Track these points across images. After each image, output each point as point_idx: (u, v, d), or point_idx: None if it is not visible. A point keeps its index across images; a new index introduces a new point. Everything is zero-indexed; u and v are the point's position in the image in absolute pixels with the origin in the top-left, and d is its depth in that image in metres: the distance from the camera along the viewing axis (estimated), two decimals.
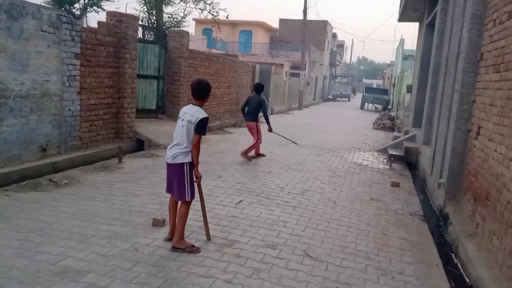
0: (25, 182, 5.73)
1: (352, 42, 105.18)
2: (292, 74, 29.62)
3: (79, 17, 17.65)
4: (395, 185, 7.37)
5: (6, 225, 4.20)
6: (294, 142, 11.13)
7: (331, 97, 44.19)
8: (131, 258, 3.66)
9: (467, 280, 4.05)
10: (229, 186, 6.34)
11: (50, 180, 5.95)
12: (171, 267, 3.57)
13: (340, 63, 58.56)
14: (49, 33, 6.67)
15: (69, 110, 7.30)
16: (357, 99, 43.46)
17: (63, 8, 17.43)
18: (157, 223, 4.47)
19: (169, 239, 4.07)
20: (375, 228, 5.05)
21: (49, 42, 6.71)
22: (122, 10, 13.26)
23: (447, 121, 6.25)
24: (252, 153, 8.90)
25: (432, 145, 7.61)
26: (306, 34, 28.73)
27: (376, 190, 6.94)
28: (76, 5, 18.96)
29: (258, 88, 8.99)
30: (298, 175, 7.49)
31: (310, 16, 35.45)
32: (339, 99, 43.64)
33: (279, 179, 7.03)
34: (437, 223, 5.79)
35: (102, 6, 19.42)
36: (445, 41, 7.53)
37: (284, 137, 11.19)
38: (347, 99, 43.66)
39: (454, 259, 4.59)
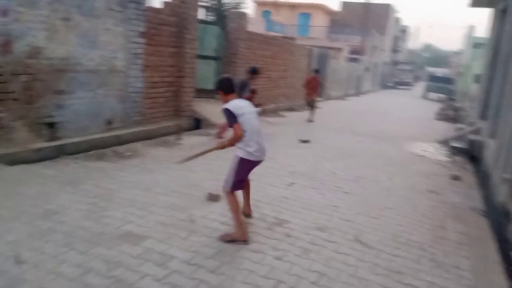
0: (92, 151, 6.12)
1: (417, 28, 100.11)
2: (351, 59, 28.87)
3: None
4: (456, 178, 7.05)
5: (75, 190, 4.54)
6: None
7: (391, 84, 42.64)
8: (187, 228, 3.84)
9: None
10: (281, 168, 6.40)
11: (114, 151, 6.31)
12: None
13: (402, 49, 56.15)
14: (116, 11, 6.98)
15: (133, 86, 7.63)
16: (419, 87, 41.57)
17: None
18: (212, 198, 4.62)
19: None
20: (431, 220, 4.90)
21: (117, 20, 7.02)
22: None
23: None
24: None
25: (498, 139, 7.17)
26: (368, 17, 27.81)
27: (435, 182, 6.69)
28: None
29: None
30: (352, 162, 7.39)
31: None
32: (400, 86, 42.02)
33: (332, 165, 6.97)
34: (498, 220, 5.49)
35: None
36: None
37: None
38: (408, 87, 41.94)
39: None
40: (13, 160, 5.32)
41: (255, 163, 3.94)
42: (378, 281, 3.34)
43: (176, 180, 5.22)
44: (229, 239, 3.70)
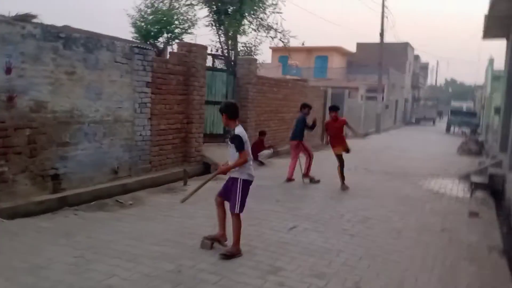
0: (93, 202, 6.11)
1: (437, 64, 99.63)
2: (369, 98, 28.76)
3: (163, 50, 18.91)
4: (474, 215, 6.65)
5: (67, 242, 4.48)
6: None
7: (413, 120, 42.04)
8: (173, 280, 3.68)
9: None
10: (285, 211, 6.20)
11: (116, 200, 6.29)
12: None
13: (424, 85, 55.81)
14: (122, 63, 7.20)
15: (140, 135, 7.73)
16: (443, 123, 40.78)
17: (148, 42, 18.92)
18: (205, 246, 4.46)
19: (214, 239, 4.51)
20: (441, 262, 4.55)
21: (122, 72, 7.23)
22: (201, 41, 13.99)
23: None
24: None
25: None
26: (385, 57, 27.93)
27: (451, 221, 6.31)
28: (160, 39, 20.44)
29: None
30: (362, 201, 7.10)
31: (389, 39, 34.43)
32: (422, 123, 41.33)
33: (341, 205, 6.72)
34: None
35: (183, 39, 20.70)
36: None
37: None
38: (431, 122, 41.21)
39: None
40: (14, 214, 5.33)
41: (250, 183, 4.46)
42: None
43: (172, 228, 5.10)
44: (229, 255, 4.21)
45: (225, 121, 4.41)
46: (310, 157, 8.86)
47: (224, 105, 4.46)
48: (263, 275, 3.90)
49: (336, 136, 8.51)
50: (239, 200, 4.33)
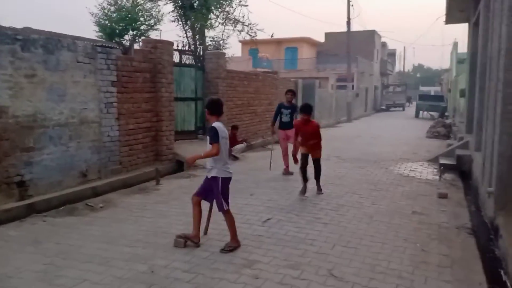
0: (62, 207, 5.96)
1: (404, 50, 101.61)
2: (340, 87, 29.10)
3: (129, 47, 18.53)
4: (443, 196, 6.84)
5: (35, 250, 4.35)
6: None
7: (384, 107, 42.79)
8: (146, 281, 3.62)
9: None
10: (259, 203, 6.20)
11: (86, 204, 6.15)
12: None
13: (392, 72, 56.79)
14: (84, 63, 7.00)
15: (108, 135, 7.56)
16: (413, 108, 41.69)
17: (113, 41, 18.49)
18: (178, 244, 4.42)
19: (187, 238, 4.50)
20: (413, 244, 4.67)
21: (85, 72, 7.03)
22: (167, 37, 13.73)
23: (493, 124, 5.72)
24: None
25: (482, 152, 7.02)
26: (353, 45, 28.25)
27: (421, 203, 6.47)
28: (126, 37, 20.02)
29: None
30: (335, 189, 7.19)
31: (356, 27, 34.76)
32: (392, 109, 42.12)
33: (313, 195, 6.77)
34: (487, 237, 5.25)
35: (150, 36, 20.33)
36: (489, 39, 6.99)
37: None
38: (401, 108, 42.07)
39: (503, 276, 4.10)
40: None
41: (230, 179, 4.51)
42: None
43: (144, 229, 5.03)
44: (230, 249, 4.33)
45: (208, 116, 4.48)
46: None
47: (208, 101, 4.55)
48: (238, 269, 3.90)
49: (306, 142, 7.06)
50: (221, 198, 4.38)
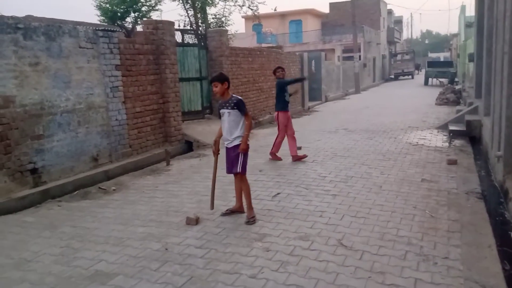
0: (76, 192, 6.09)
1: (411, 16, 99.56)
2: (347, 58, 28.71)
3: (132, 30, 18.40)
4: (452, 162, 6.82)
5: (52, 234, 4.48)
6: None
7: (392, 76, 42.19)
8: (160, 258, 3.72)
9: None
10: (268, 179, 6.26)
11: (99, 188, 6.27)
12: (197, 265, 3.57)
13: (400, 40, 55.72)
14: (87, 48, 7.01)
15: (116, 119, 7.63)
16: (422, 75, 41.10)
17: (115, 24, 18.37)
18: (191, 222, 4.51)
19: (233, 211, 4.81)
20: (422, 212, 4.69)
21: (89, 57, 7.05)
22: (169, 17, 13.60)
23: (501, 87, 5.65)
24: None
25: (491, 116, 6.95)
26: (359, 15, 27.77)
27: (430, 170, 6.47)
28: (128, 19, 19.87)
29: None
30: (343, 161, 7.21)
31: None
32: (401, 77, 41.51)
33: (322, 168, 6.81)
34: (497, 200, 5.26)
35: (151, 17, 20.15)
36: (494, 1, 6.81)
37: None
38: (410, 76, 41.40)
39: None
40: None
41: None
42: (358, 286, 3.16)
43: (156, 209, 5.13)
44: (254, 219, 4.52)
45: (223, 90, 4.52)
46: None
47: (221, 75, 4.59)
48: (250, 243, 3.98)
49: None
50: (242, 161, 4.56)
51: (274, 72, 7.88)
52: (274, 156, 7.69)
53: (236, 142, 4.57)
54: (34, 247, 4.14)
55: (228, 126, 4.57)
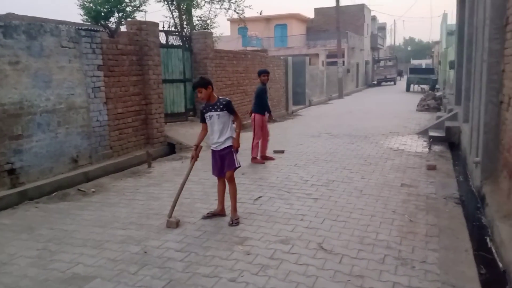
0: (54, 193, 5.98)
1: (395, 23, 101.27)
2: (331, 63, 28.98)
3: (115, 30, 18.20)
4: (431, 168, 6.94)
5: (29, 236, 4.39)
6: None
7: (375, 82, 42.73)
8: (139, 262, 3.68)
9: (500, 265, 3.70)
10: (251, 182, 6.26)
11: (78, 189, 6.18)
12: (177, 268, 3.55)
13: (383, 46, 56.53)
14: (69, 48, 6.91)
15: (97, 120, 7.52)
16: (404, 82, 41.73)
17: (99, 24, 18.15)
18: (171, 225, 4.47)
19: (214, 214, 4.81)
20: (401, 216, 4.76)
21: (70, 57, 6.95)
22: (153, 18, 13.51)
23: (479, 94, 5.78)
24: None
25: (470, 122, 7.10)
26: (343, 20, 28.08)
27: (410, 175, 6.56)
28: (112, 19, 19.68)
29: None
30: (325, 166, 7.26)
31: (345, 2, 34.51)
32: (384, 83, 42.06)
33: (305, 172, 6.84)
34: (474, 205, 5.37)
35: (136, 18, 20.00)
36: (475, 10, 6.98)
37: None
38: (392, 82, 41.99)
39: (489, 243, 4.22)
40: None
41: None
42: None
43: (137, 211, 5.07)
44: (238, 221, 4.55)
45: (209, 94, 4.52)
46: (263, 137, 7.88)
47: (203, 79, 4.58)
48: (230, 246, 3.97)
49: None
50: (235, 157, 4.66)
51: (259, 74, 7.94)
52: (256, 160, 7.70)
53: (228, 143, 4.61)
54: (10, 249, 4.05)
55: (218, 129, 4.58)
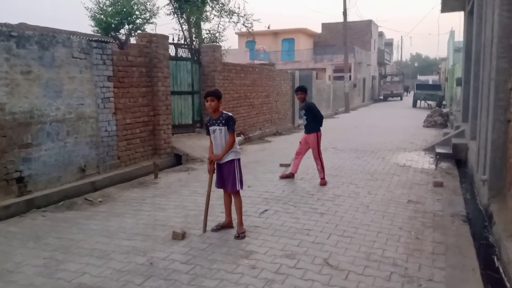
0: (61, 202, 6.01)
1: (402, 39, 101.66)
2: (337, 78, 29.09)
3: (125, 41, 18.42)
4: (438, 185, 6.90)
5: (36, 245, 4.41)
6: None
7: (381, 97, 42.79)
8: (145, 273, 3.69)
9: (508, 285, 3.66)
10: (257, 195, 6.27)
11: (85, 199, 6.21)
12: (182, 280, 3.55)
13: (390, 61, 56.70)
14: (80, 59, 7.02)
15: (106, 130, 7.60)
16: (410, 97, 41.72)
17: (109, 35, 18.42)
18: (177, 236, 4.48)
19: (223, 227, 4.83)
20: (408, 233, 4.73)
21: (81, 68, 7.05)
22: (163, 31, 13.71)
23: (487, 112, 5.78)
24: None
25: (477, 140, 7.08)
26: (350, 36, 28.24)
27: (417, 192, 6.53)
28: (122, 31, 19.97)
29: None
30: (331, 180, 7.25)
31: (353, 17, 34.90)
32: (390, 98, 42.13)
33: (310, 186, 6.84)
34: (482, 224, 5.33)
35: (145, 30, 20.29)
36: (482, 28, 7.02)
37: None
38: (399, 98, 42.03)
39: (496, 262, 4.18)
40: None
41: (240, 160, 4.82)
42: None
43: (143, 222, 5.09)
44: (244, 234, 4.56)
45: (217, 106, 4.57)
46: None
47: (218, 91, 4.65)
48: (236, 260, 3.97)
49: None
50: (239, 177, 4.67)
51: (297, 91, 7.29)
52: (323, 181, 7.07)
53: (230, 157, 4.64)
54: (17, 257, 4.07)
55: (221, 143, 4.63)
